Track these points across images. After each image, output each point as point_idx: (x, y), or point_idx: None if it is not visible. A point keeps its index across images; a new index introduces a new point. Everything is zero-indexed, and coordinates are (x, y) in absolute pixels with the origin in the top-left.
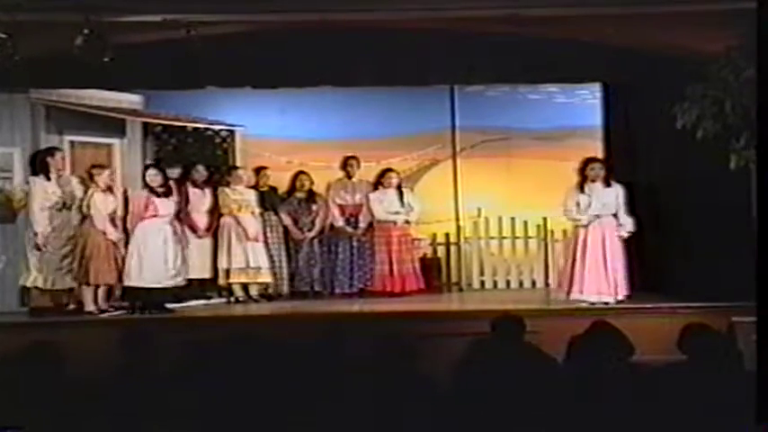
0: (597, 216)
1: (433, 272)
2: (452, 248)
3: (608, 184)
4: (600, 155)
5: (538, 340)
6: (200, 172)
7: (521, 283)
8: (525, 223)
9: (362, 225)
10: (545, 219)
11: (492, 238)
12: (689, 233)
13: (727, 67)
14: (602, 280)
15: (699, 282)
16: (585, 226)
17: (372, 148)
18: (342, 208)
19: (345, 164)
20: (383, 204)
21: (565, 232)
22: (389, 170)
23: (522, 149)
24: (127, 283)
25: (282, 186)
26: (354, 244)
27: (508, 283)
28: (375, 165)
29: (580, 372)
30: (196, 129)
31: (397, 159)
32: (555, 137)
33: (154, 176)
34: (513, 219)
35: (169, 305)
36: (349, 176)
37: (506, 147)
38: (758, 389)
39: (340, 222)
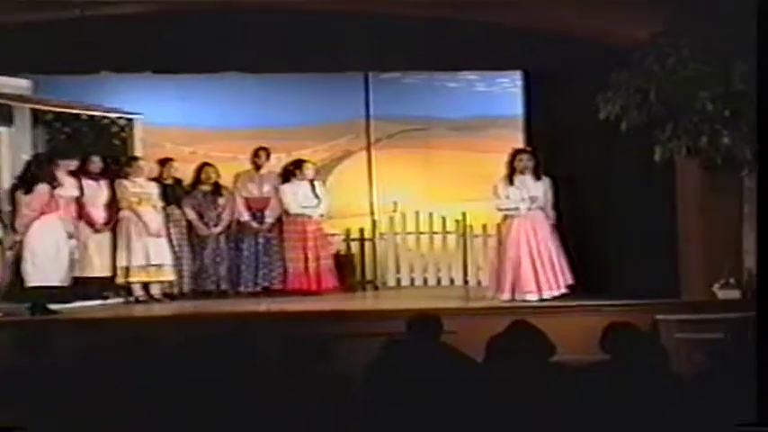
0: (528, 209)
1: (347, 269)
2: (367, 245)
3: (537, 177)
4: (521, 146)
5: (456, 340)
6: (96, 163)
7: (438, 281)
8: (443, 218)
9: (269, 220)
10: (464, 213)
11: (409, 233)
12: (613, 228)
13: (652, 54)
14: (540, 276)
15: (623, 278)
16: (515, 219)
17: (282, 137)
18: (248, 202)
19: (255, 155)
20: (297, 197)
21: (485, 227)
22: (304, 161)
23: (441, 140)
24: (27, 283)
25: (186, 179)
26: (260, 240)
27: (425, 280)
28: (285, 156)
29: (499, 372)
30: (92, 117)
31: (308, 150)
32: (474, 127)
33: (46, 168)
34: (431, 213)
35: (59, 306)
36: (257, 168)
37: (424, 137)
38: (758, 389)
39: (245, 217)
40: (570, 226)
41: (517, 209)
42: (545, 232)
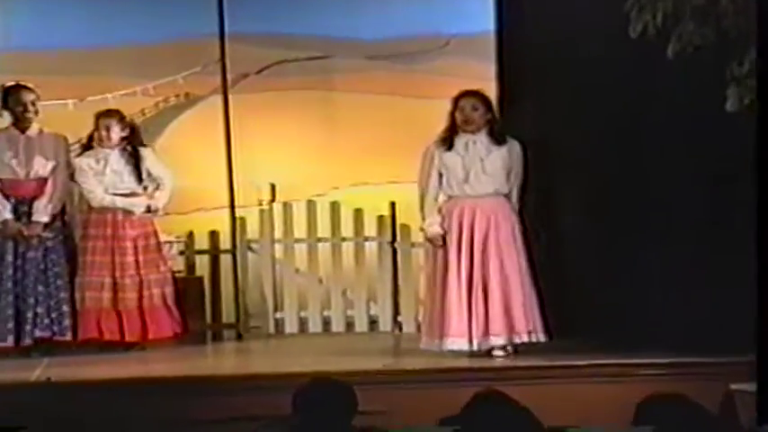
0: (477, 197)
1: (189, 304)
2: (225, 260)
3: (497, 141)
4: (489, 89)
5: (385, 425)
6: None
7: (349, 324)
8: (357, 213)
9: (43, 218)
10: (393, 204)
11: (298, 240)
12: (635, 233)
13: None
14: (491, 308)
15: (653, 317)
16: (456, 209)
17: (77, 68)
18: (7, 187)
19: (11, 99)
20: (103, 179)
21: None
22: (112, 113)
23: (349, 76)
24: None
25: None
26: (30, 254)
27: (327, 322)
28: (78, 103)
29: None
30: None
31: (122, 93)
32: (406, 53)
33: None
34: (334, 204)
35: None
36: (21, 128)
37: (322, 72)
38: (758, 389)
39: (6, 214)
40: (555, 226)
41: (454, 200)
42: (505, 233)
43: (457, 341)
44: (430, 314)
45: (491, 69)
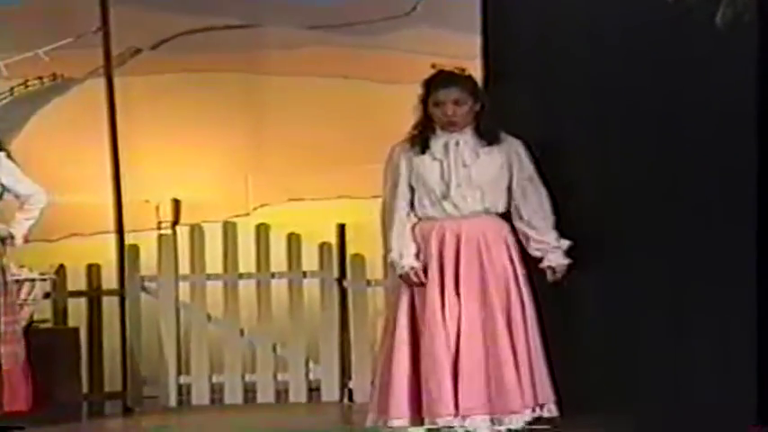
0: (462, 218)
1: (56, 365)
2: (109, 304)
3: (488, 139)
4: (473, 70)
5: None
6: None
7: (279, 394)
8: (293, 239)
9: None
10: (342, 227)
11: (212, 277)
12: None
13: None
14: (481, 385)
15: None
16: (435, 232)
17: None
18: None
19: None
20: None
21: (387, 264)
22: None
23: (283, 53)
24: None
25: None
26: None
27: (251, 390)
28: None
29: None
30: None
31: None
32: (361, 22)
33: None
34: (261, 227)
35: None
36: None
37: (244, 46)
38: (758, 389)
39: None
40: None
41: (431, 222)
42: (502, 268)
43: (429, 419)
44: (387, 381)
45: (475, 43)
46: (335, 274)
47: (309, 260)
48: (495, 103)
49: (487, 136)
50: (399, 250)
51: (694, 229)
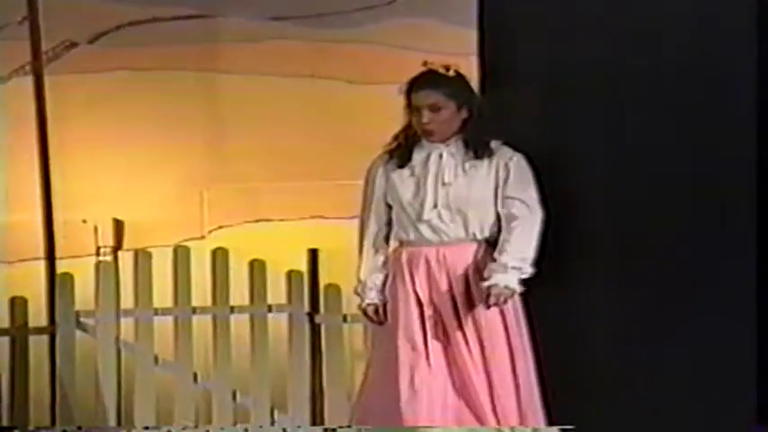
0: (442, 245)
1: None
2: (36, 345)
3: (476, 152)
4: (466, 68)
5: None
6: None
7: None
8: (257, 266)
9: None
10: (314, 253)
11: (160, 312)
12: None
13: None
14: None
15: None
16: (410, 278)
17: None
18: None
19: None
20: None
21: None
22: None
23: (243, 48)
24: None
25: None
26: None
27: None
28: None
29: None
30: None
31: None
32: (334, 13)
33: None
34: (218, 252)
35: None
36: None
37: (197, 40)
38: (758, 389)
39: None
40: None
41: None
42: (491, 312)
43: None
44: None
45: (470, 37)
46: (306, 307)
47: (276, 291)
48: (492, 107)
49: (475, 147)
50: (363, 281)
51: (694, 230)
